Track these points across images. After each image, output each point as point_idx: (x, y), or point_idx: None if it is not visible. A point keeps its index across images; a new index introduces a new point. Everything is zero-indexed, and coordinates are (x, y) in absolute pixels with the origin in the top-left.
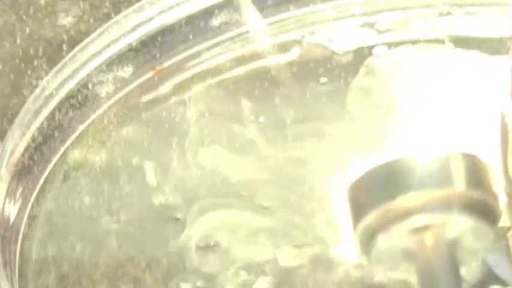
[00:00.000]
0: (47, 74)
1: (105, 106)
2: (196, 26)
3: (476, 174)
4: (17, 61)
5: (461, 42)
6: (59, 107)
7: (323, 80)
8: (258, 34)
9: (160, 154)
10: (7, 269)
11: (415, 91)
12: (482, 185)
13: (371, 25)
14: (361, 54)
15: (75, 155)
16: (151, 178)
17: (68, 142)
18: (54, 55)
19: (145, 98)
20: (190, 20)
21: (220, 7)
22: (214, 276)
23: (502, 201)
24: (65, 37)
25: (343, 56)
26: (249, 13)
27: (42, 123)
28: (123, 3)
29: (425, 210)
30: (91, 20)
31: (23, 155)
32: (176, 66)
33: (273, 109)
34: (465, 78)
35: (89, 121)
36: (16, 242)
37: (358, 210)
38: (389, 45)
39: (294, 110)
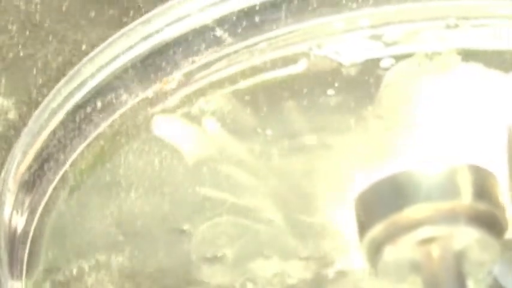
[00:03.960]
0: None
1: (112, 118)
2: (204, 38)
3: (483, 186)
4: None
5: (469, 55)
6: (66, 119)
7: (330, 92)
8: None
9: (167, 167)
10: (14, 280)
11: (422, 103)
12: (489, 197)
13: (378, 37)
14: (369, 67)
15: (83, 166)
16: (158, 190)
17: (76, 154)
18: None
19: (153, 111)
20: (198, 31)
21: (228, 18)
22: None
23: (509, 213)
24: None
25: (350, 68)
26: None
27: (49, 135)
28: None
29: (432, 222)
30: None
31: (30, 166)
32: (184, 78)
33: (280, 121)
34: (473, 91)
35: (96, 133)
36: (23, 253)
37: (365, 222)
38: (397, 57)
39: (301, 122)
